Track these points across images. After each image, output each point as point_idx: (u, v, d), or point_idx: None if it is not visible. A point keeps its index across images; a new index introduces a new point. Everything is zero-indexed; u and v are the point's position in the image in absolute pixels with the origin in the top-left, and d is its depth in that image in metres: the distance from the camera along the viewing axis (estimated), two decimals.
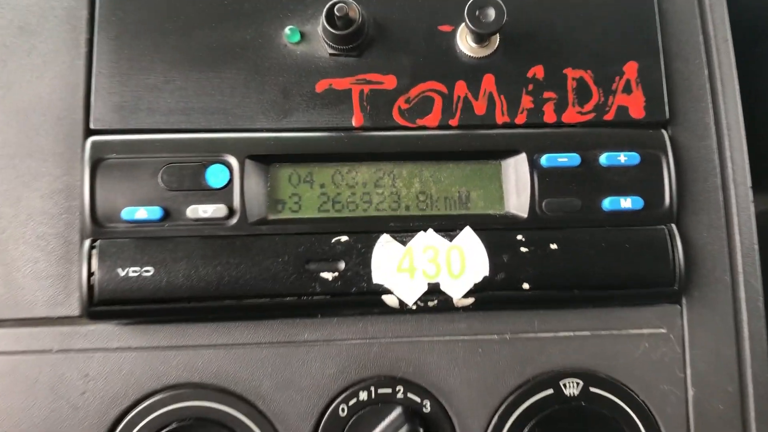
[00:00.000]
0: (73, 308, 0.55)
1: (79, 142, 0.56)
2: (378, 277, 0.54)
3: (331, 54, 0.58)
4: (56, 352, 0.55)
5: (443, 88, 0.58)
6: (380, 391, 0.56)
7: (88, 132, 0.56)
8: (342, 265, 0.54)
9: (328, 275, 0.54)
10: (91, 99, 0.56)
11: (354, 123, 0.57)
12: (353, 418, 0.55)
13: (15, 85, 0.57)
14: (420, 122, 0.57)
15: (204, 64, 0.57)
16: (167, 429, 0.54)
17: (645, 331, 0.58)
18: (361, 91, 0.57)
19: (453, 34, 0.58)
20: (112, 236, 0.54)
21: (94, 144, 0.55)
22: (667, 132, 0.59)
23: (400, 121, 0.57)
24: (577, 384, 0.56)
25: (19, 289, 0.55)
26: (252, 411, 0.54)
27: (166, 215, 0.54)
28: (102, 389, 0.54)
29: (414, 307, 0.54)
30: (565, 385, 0.56)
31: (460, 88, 0.58)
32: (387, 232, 0.55)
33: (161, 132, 0.56)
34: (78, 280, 0.54)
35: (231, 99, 0.57)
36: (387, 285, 0.54)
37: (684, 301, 0.58)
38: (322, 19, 0.55)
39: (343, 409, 0.55)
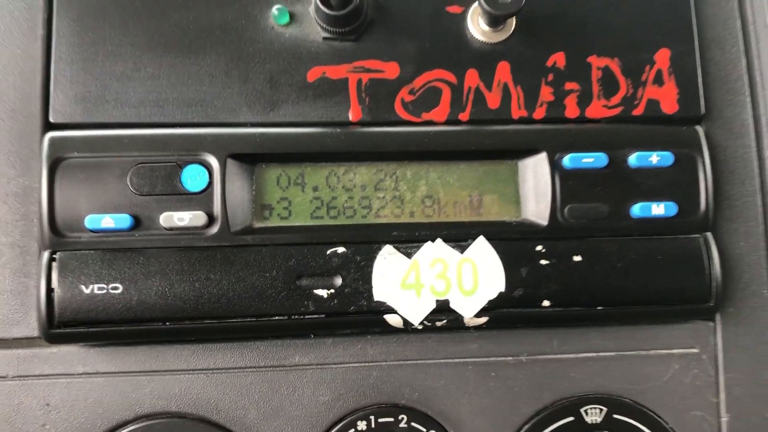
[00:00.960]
0: (32, 328, 0.51)
1: (36, 139, 0.52)
2: (380, 294, 0.50)
3: (324, 38, 0.54)
4: (12, 379, 0.51)
5: (452, 78, 0.54)
6: (381, 420, 0.53)
7: (47, 126, 0.52)
8: (338, 281, 0.50)
9: (322, 292, 0.50)
10: (50, 89, 0.52)
11: (351, 117, 0.53)
12: None
13: None
14: (426, 116, 0.54)
15: (179, 49, 0.53)
16: None
17: (675, 351, 0.56)
18: (359, 81, 0.54)
19: (463, 15, 0.55)
20: (74, 247, 0.49)
21: (53, 141, 0.50)
22: (702, 129, 0.56)
23: (404, 116, 0.54)
24: (600, 411, 0.54)
25: None
26: None
27: (137, 224, 0.50)
28: (65, 420, 0.51)
29: (420, 327, 0.50)
30: (586, 412, 0.54)
31: (471, 78, 0.54)
32: (389, 243, 0.51)
33: (130, 126, 0.52)
34: (36, 297, 0.49)
35: (210, 89, 0.53)
36: (390, 303, 0.51)
37: (718, 318, 0.56)
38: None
39: None
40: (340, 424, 0.52)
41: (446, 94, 0.54)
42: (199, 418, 0.51)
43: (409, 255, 0.51)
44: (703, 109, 0.56)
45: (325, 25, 0.53)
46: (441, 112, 0.54)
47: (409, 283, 0.50)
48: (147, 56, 0.52)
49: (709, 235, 0.55)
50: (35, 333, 0.50)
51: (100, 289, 0.48)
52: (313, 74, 0.53)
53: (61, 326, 0.48)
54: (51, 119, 0.51)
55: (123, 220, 0.49)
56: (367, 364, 0.53)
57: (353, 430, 0.51)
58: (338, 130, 0.53)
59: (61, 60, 0.52)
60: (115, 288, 0.48)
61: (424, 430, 0.52)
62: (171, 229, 0.50)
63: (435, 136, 0.54)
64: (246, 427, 0.51)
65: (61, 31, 0.52)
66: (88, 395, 0.50)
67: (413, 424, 0.52)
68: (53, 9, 0.53)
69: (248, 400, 0.51)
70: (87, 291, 0.48)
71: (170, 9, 0.53)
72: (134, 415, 0.51)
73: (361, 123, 0.53)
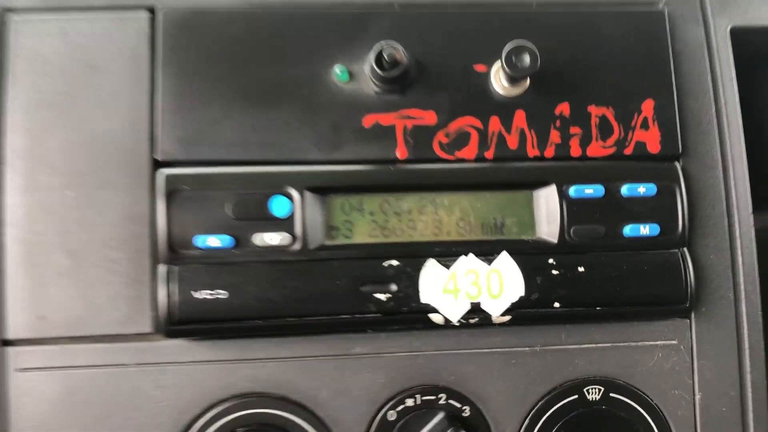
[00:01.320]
0: (146, 326, 0.58)
1: (145, 174, 0.59)
2: (425, 297, 0.58)
3: (376, 92, 0.61)
4: (132, 366, 0.58)
5: (479, 124, 0.61)
6: (425, 398, 0.60)
7: (155, 164, 0.59)
8: (393, 287, 0.58)
9: (381, 296, 0.58)
10: (157, 133, 0.59)
11: (398, 156, 0.60)
12: (401, 423, 0.60)
13: (86, 120, 0.59)
14: (458, 155, 0.61)
15: (260, 100, 0.60)
16: None
17: (659, 342, 0.62)
18: (405, 126, 0.61)
19: (487, 73, 0.62)
20: (186, 262, 0.57)
21: (168, 177, 0.58)
22: (680, 164, 0.63)
23: (440, 154, 0.61)
24: (599, 390, 0.62)
25: (97, 309, 0.58)
26: (310, 417, 0.59)
27: (236, 243, 0.58)
28: (175, 398, 0.58)
29: (457, 324, 0.59)
30: (588, 391, 0.61)
31: (494, 124, 0.61)
32: (432, 257, 0.59)
33: (222, 164, 0.59)
34: (152, 302, 0.58)
35: (286, 133, 0.60)
36: (433, 304, 0.58)
37: (693, 316, 0.63)
38: (371, 61, 0.58)
39: (391, 415, 0.60)
40: (393, 401, 0.59)
41: (474, 137, 0.61)
42: (281, 396, 0.59)
43: (447, 266, 0.59)
44: (680, 149, 0.63)
45: (377, 83, 0.60)
46: (470, 151, 0.61)
47: (448, 288, 0.58)
48: (234, 106, 0.59)
49: (685, 250, 0.61)
50: (148, 329, 0.58)
51: (209, 294, 0.56)
52: (367, 121, 0.60)
53: (178, 324, 0.56)
54: (158, 158, 0.59)
55: (225, 240, 0.57)
56: (414, 353, 0.60)
57: (403, 405, 0.59)
58: (389, 166, 0.60)
59: (165, 109, 0.59)
60: (221, 294, 0.56)
61: (459, 405, 0.60)
62: (262, 247, 0.58)
63: (466, 170, 0.61)
64: (318, 403, 0.59)
65: (164, 86, 0.59)
66: (193, 379, 0.58)
67: (450, 401, 0.60)
68: (156, 67, 0.60)
69: (320, 382, 0.59)
70: (198, 296, 0.56)
71: (252, 67, 0.60)
72: (229, 395, 0.58)
73: (407, 160, 0.60)
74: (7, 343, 0.58)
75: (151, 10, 0.61)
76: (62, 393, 0.58)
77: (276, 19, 0.62)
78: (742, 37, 0.67)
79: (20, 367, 0.58)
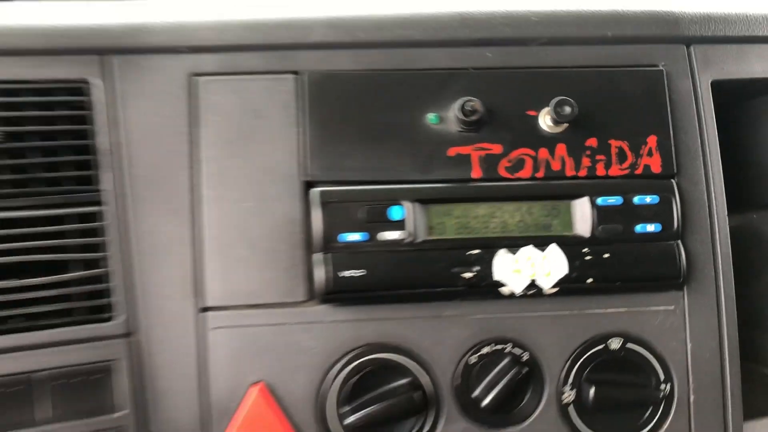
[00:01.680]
0: (300, 296, 0.75)
1: (296, 191, 0.76)
2: (497, 276, 0.76)
3: (458, 131, 0.77)
4: (291, 325, 0.75)
5: (532, 153, 0.77)
6: (496, 347, 0.76)
7: (304, 184, 0.76)
8: (476, 268, 0.75)
9: (466, 275, 0.75)
10: (306, 162, 0.76)
11: (474, 176, 0.77)
12: (479, 364, 0.77)
13: (254, 153, 0.77)
14: (517, 175, 0.77)
15: (377, 138, 0.77)
16: (363, 372, 0.75)
17: (661, 308, 0.78)
18: (479, 155, 0.77)
19: (537, 117, 0.78)
20: (334, 251, 0.75)
21: (323, 193, 0.76)
22: (675, 181, 0.78)
23: (504, 175, 0.77)
24: (619, 341, 0.77)
25: (266, 285, 0.75)
26: (416, 359, 0.76)
27: (369, 238, 0.75)
28: (322, 346, 0.75)
29: (519, 295, 0.76)
30: (611, 343, 0.77)
31: (543, 153, 0.77)
32: (502, 247, 0.76)
33: (352, 183, 0.76)
34: (304, 279, 0.75)
35: (395, 160, 0.77)
36: (503, 281, 0.75)
37: (685, 288, 0.78)
38: (456, 110, 0.75)
39: (473, 359, 0.77)
40: (473, 348, 0.76)
41: (529, 162, 0.77)
42: (396, 345, 0.76)
43: (513, 254, 0.75)
44: (675, 170, 0.78)
45: (460, 125, 0.76)
46: (526, 172, 0.77)
47: (514, 269, 0.75)
48: (359, 143, 0.76)
49: (679, 242, 0.77)
50: (302, 299, 0.75)
51: (350, 273, 0.74)
52: (451, 152, 0.76)
53: (330, 294, 0.74)
54: (308, 179, 0.75)
55: (362, 236, 0.75)
56: (489, 315, 0.76)
57: (480, 352, 0.76)
58: (468, 184, 0.76)
59: (311, 144, 0.76)
60: (358, 273, 0.74)
61: (521, 350, 0.76)
62: (385, 241, 0.74)
63: (523, 186, 0.77)
64: (421, 349, 0.75)
65: (311, 128, 0.76)
66: (336, 333, 0.74)
67: (515, 349, 0.76)
68: (303, 114, 0.75)
69: (422, 335, 0.75)
70: (342, 275, 0.74)
71: (372, 113, 0.77)
72: (360, 344, 0.75)
73: (480, 180, 0.76)
74: (206, 309, 0.76)
75: (296, 73, 0.78)
76: (243, 344, 0.75)
77: (388, 79, 0.78)
78: (720, 87, 0.82)
79: (214, 326, 0.75)
